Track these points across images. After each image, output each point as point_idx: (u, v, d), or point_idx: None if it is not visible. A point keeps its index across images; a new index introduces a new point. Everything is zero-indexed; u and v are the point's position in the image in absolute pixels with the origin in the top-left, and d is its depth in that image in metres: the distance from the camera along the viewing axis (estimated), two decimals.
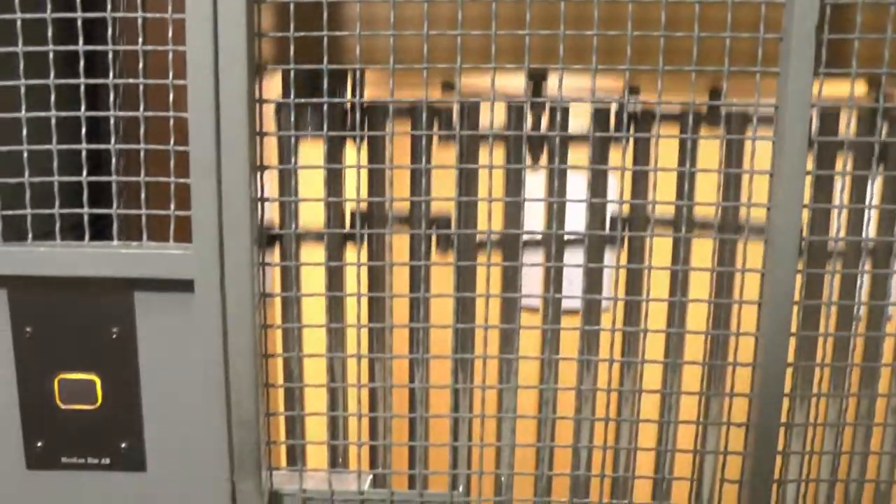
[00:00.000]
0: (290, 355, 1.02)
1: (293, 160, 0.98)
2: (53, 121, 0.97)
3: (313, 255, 1.02)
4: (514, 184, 1.03)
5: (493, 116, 0.97)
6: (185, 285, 0.97)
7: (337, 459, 1.07)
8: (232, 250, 0.96)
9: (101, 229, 1.06)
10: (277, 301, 1.05)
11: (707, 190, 1.01)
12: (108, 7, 0.95)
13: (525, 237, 1.02)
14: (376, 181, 1.06)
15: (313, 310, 1.03)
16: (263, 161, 0.98)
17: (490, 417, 1.06)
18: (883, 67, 0.94)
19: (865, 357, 1.07)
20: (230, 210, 0.96)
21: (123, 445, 1.04)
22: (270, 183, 1.05)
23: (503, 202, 1.02)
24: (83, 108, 0.98)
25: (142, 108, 0.97)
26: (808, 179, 0.95)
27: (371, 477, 1.10)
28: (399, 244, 1.05)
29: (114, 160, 1.00)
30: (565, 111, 1.02)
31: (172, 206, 0.98)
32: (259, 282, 0.98)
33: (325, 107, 0.95)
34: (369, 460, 1.08)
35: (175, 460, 1.04)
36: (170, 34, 0.95)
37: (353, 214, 1.03)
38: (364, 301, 1.00)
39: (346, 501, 1.06)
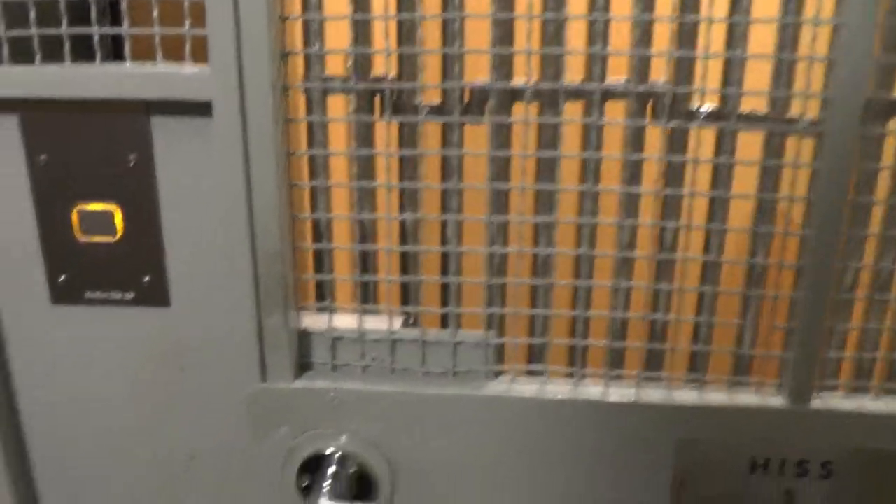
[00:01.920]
0: (316, 184, 0.97)
1: None
2: None
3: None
4: None
5: None
6: (204, 108, 0.91)
7: (367, 299, 1.02)
8: (251, 70, 0.89)
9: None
10: (303, 128, 0.98)
11: None
12: None
13: None
14: None
15: (340, 138, 0.97)
16: None
17: (526, 252, 1.00)
18: None
19: None
20: (249, 28, 0.88)
21: (146, 279, 1.01)
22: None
23: None
24: None
25: None
26: None
27: (402, 317, 1.07)
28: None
29: None
30: None
31: (187, 25, 0.91)
32: (283, 106, 0.91)
33: None
34: (400, 299, 1.04)
35: (200, 295, 1.01)
36: None
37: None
38: (394, 129, 0.94)
39: (377, 341, 1.02)
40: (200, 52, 0.91)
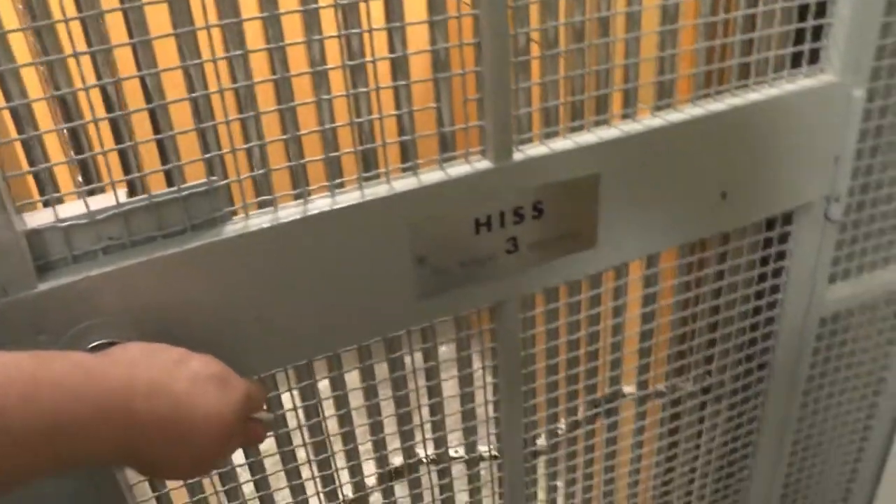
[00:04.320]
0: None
1: None
2: None
3: None
4: None
5: None
6: None
7: (89, 181, 1.01)
8: None
9: None
10: None
11: None
12: None
13: None
14: None
15: None
16: None
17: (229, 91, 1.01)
18: None
19: None
20: None
21: None
22: None
23: None
24: None
25: None
26: None
27: (126, 189, 1.06)
28: None
29: None
30: None
31: None
32: None
33: None
34: (122, 171, 1.03)
35: None
36: None
37: None
38: None
39: (109, 219, 1.01)
40: None
